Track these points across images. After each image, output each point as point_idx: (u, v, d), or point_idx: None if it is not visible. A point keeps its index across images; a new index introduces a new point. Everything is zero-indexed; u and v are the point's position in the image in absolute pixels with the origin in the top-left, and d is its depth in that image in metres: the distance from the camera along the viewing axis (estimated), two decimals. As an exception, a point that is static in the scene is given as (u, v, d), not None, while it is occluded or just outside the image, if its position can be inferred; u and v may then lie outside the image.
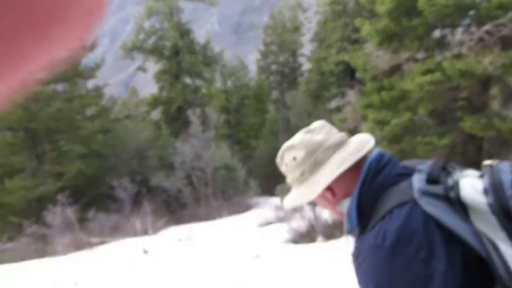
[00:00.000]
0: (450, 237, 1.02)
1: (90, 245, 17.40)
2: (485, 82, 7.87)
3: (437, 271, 0.99)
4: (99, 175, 23.48)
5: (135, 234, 18.39)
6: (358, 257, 1.13)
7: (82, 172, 22.17)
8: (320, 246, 8.68)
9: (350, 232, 1.23)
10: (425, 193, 1.08)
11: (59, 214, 19.37)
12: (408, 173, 1.19)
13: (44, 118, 22.21)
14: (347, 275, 4.80)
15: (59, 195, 19.61)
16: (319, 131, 1.34)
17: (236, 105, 32.38)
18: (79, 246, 17.20)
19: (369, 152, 1.29)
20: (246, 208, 21.14)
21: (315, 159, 1.30)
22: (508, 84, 7.64)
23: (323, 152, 1.30)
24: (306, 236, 9.95)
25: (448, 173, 1.14)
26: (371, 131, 9.11)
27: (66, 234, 18.37)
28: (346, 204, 1.23)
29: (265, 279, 6.60)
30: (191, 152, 23.17)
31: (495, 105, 8.06)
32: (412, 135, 8.46)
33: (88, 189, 22.50)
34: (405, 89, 8.20)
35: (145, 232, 18.43)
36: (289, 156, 1.35)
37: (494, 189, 1.04)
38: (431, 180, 1.11)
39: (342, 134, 1.35)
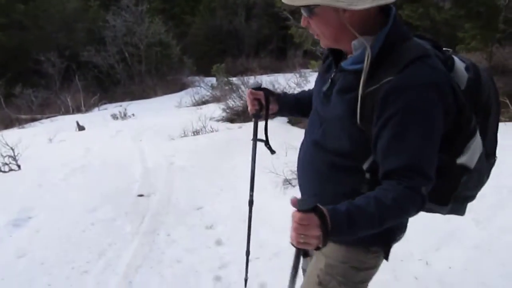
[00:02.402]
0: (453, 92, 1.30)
1: (19, 122, 16.85)
2: (427, -30, 7.90)
3: (445, 115, 1.27)
4: (23, 48, 21.93)
5: (67, 111, 17.92)
6: (405, 89, 1.23)
7: (3, 44, 20.64)
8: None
9: (352, 64, 1.36)
10: (436, 55, 1.34)
11: (-18, 89, 18.35)
12: (415, 35, 1.42)
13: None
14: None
15: (-20, 69, 18.41)
16: None
17: (171, -24, 30.42)
18: (7, 123, 16.62)
19: None
20: (182, 87, 20.98)
21: None
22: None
23: None
24: (242, 115, 10.16)
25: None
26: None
27: (-8, 110, 17.62)
28: (367, 41, 1.29)
29: (201, 148, 6.81)
30: (123, 26, 22.00)
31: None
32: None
33: (12, 63, 21.15)
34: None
35: (77, 109, 17.99)
36: None
37: (474, 69, 1.42)
38: (437, 47, 1.41)
39: None
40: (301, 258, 1.27)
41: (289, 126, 8.78)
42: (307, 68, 16.93)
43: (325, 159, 1.49)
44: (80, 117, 14.30)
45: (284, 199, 4.17)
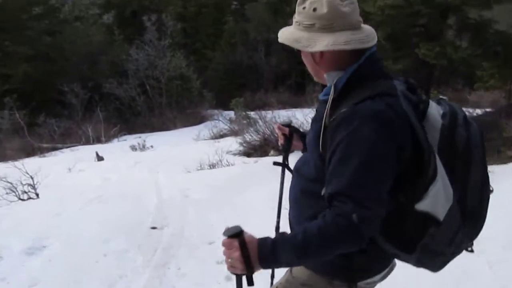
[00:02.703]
0: (411, 131, 1.33)
1: (41, 150, 17.19)
2: (444, 10, 7.98)
3: (397, 149, 1.30)
4: (48, 79, 22.58)
5: (87, 141, 18.24)
6: (352, 119, 1.30)
7: (30, 75, 21.27)
8: (272, 158, 8.99)
9: (324, 96, 1.48)
10: (405, 96, 1.40)
11: (7, 118, 18.83)
12: (388, 75, 1.47)
13: (-15, 15, 20.80)
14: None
15: (6, 99, 18.93)
16: (349, 4, 1.42)
17: (193, 13, 31.21)
18: (29, 151, 16.96)
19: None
20: (201, 120, 21.22)
21: (331, 24, 1.40)
22: (465, 15, 7.81)
23: (340, 23, 1.39)
24: (259, 150, 10.20)
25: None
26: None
27: (15, 139, 18.00)
28: (335, 75, 1.42)
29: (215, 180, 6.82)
30: (145, 60, 22.55)
31: (450, 34, 8.24)
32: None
33: (37, 93, 21.73)
34: (366, 11, 8.21)
35: (97, 140, 18.31)
36: (314, 4, 1.42)
37: (451, 116, 1.41)
38: (411, 89, 1.46)
39: (360, 19, 1.46)
40: (243, 285, 1.34)
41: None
42: (325, 103, 17.01)
43: (300, 185, 1.60)
44: (100, 148, 14.54)
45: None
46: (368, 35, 1.44)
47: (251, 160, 9.20)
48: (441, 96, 1.51)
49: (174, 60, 22.81)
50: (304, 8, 1.44)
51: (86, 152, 14.70)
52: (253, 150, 10.36)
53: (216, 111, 22.56)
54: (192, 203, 5.88)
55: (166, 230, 4.88)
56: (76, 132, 19.45)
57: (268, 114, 10.61)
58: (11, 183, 7.32)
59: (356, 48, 1.39)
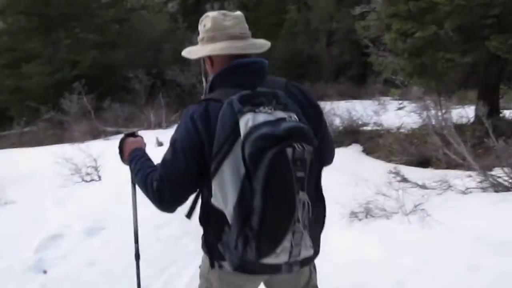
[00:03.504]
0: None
1: (105, 134, 17.91)
2: (520, -1, 7.48)
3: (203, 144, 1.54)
4: (115, 65, 23.45)
5: (149, 126, 18.80)
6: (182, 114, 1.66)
7: (98, 61, 22.12)
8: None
9: (205, 93, 1.76)
10: (229, 104, 1.48)
11: (76, 101, 19.74)
12: (243, 87, 1.56)
13: (58, 3, 21.73)
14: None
15: (75, 83, 19.82)
16: (231, 19, 1.70)
17: (255, 2, 31.21)
18: (95, 134, 17.72)
19: (257, 53, 1.73)
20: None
21: (213, 35, 1.69)
22: (543, 4, 7.26)
23: (221, 34, 1.68)
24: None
25: (257, 102, 1.50)
26: (393, 42, 8.84)
27: (82, 121, 18.85)
28: (211, 78, 1.73)
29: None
30: (207, 48, 22.80)
31: (526, 26, 7.70)
32: (435, 50, 8.23)
33: (104, 79, 22.58)
34: (435, 1, 7.83)
35: (159, 125, 18.83)
36: (204, 22, 1.74)
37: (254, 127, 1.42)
38: (242, 101, 1.49)
39: (247, 32, 1.72)
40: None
41: (363, 156, 8.58)
42: (387, 96, 16.55)
43: None
44: (160, 133, 14.92)
45: (349, 233, 4.05)
46: (251, 45, 1.71)
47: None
48: None
49: (235, 48, 22.94)
50: (200, 26, 1.75)
51: (147, 137, 15.10)
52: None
53: (275, 100, 22.54)
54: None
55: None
56: (139, 117, 20.09)
57: (327, 105, 10.44)
58: (76, 165, 7.67)
59: (232, 53, 1.66)
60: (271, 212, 1.39)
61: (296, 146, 1.40)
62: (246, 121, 1.42)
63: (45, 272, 3.82)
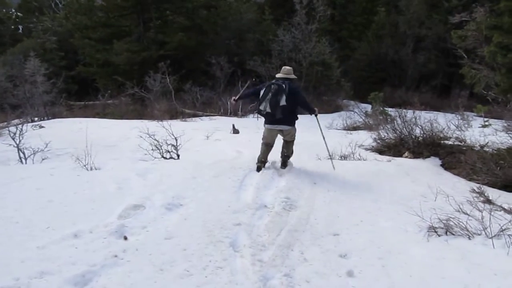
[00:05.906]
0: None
1: (182, 115, 18.49)
2: None
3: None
4: (199, 49, 24.09)
5: (225, 113, 19.17)
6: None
7: (184, 44, 22.84)
8: (406, 160, 8.62)
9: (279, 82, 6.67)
10: (272, 84, 6.70)
11: (159, 81, 20.51)
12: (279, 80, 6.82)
13: (153, -15, 22.63)
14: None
15: (160, 63, 20.59)
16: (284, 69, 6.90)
17: (344, 0, 30.81)
18: (173, 114, 18.35)
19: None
20: (335, 108, 21.06)
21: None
22: None
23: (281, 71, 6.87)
24: (393, 149, 9.80)
25: (276, 82, 6.81)
26: (493, 56, 8.41)
27: (163, 101, 19.58)
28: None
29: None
30: (291, 42, 22.86)
31: None
32: (536, 69, 7.76)
33: (187, 62, 23.30)
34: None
35: (234, 113, 19.15)
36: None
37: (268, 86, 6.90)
38: (273, 82, 6.80)
39: (287, 71, 6.82)
40: None
41: (442, 170, 8.28)
42: (471, 111, 15.78)
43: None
44: (236, 121, 15.20)
45: (427, 248, 3.94)
46: (284, 75, 6.76)
47: (384, 158, 8.92)
48: None
49: (318, 45, 22.80)
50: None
51: (223, 123, 15.47)
52: (387, 148, 10.02)
53: (352, 102, 22.19)
54: (320, 190, 5.88)
55: (293, 212, 4.96)
56: (216, 102, 20.56)
57: (409, 113, 10.12)
58: (157, 141, 8.01)
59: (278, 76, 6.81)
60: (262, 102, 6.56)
61: (276, 86, 6.48)
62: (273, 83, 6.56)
63: (125, 238, 4.03)
